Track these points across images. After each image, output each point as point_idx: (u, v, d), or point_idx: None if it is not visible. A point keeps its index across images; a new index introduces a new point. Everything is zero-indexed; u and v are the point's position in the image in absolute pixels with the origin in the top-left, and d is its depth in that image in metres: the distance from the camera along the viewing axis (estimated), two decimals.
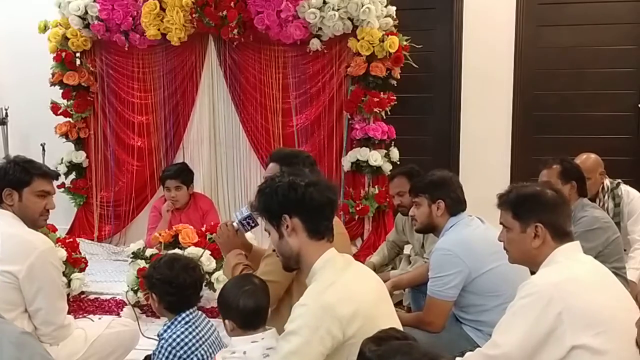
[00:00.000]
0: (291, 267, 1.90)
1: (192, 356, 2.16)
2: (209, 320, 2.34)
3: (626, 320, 1.79)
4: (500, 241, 2.06)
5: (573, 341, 1.71)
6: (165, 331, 2.22)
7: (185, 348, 2.16)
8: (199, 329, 2.23)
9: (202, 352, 2.18)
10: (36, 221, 2.43)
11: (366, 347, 1.41)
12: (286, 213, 1.81)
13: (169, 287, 2.22)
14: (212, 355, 2.22)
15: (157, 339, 2.24)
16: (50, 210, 2.49)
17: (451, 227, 2.64)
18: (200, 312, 2.31)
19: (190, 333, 2.19)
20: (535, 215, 1.92)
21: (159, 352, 2.17)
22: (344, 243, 2.45)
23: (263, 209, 1.88)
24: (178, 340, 2.16)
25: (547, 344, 1.74)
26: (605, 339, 1.71)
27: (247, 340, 1.99)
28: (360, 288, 1.76)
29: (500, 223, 2.05)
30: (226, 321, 2.05)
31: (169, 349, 2.15)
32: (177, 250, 3.41)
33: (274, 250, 1.98)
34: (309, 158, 2.59)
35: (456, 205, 2.66)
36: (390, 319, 1.83)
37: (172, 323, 2.23)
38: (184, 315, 2.23)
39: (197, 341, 2.19)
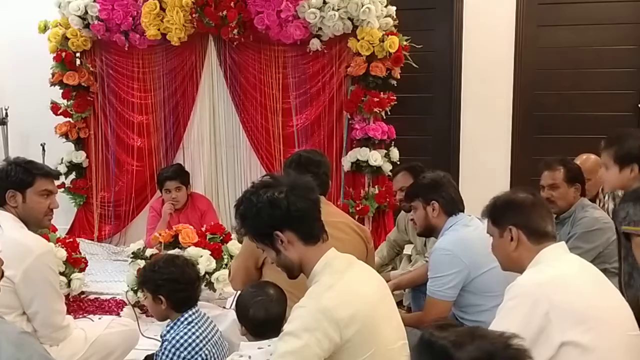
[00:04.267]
0: (296, 275, 1.88)
1: (196, 356, 2.16)
2: (212, 321, 2.34)
3: (615, 316, 1.81)
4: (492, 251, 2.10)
5: (562, 338, 1.72)
6: (168, 332, 2.22)
7: (189, 349, 2.16)
8: (202, 329, 2.23)
9: (206, 352, 2.18)
10: (41, 221, 2.44)
11: (433, 336, 1.17)
12: (277, 230, 1.78)
13: (177, 284, 2.23)
14: (216, 355, 2.22)
15: (158, 339, 2.24)
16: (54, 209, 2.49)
17: (450, 227, 2.64)
18: (203, 312, 2.32)
19: (193, 333, 2.19)
20: (508, 219, 1.97)
21: (163, 353, 2.17)
22: (355, 247, 2.43)
23: (251, 232, 1.85)
24: (182, 341, 2.16)
25: (537, 343, 1.74)
26: (593, 335, 1.72)
27: (254, 346, 2.03)
28: (359, 290, 1.76)
29: (487, 232, 2.08)
30: (240, 324, 2.09)
31: (173, 350, 2.15)
32: (177, 250, 3.41)
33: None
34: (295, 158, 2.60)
35: (451, 205, 2.68)
36: (391, 320, 1.83)
37: (175, 324, 2.23)
38: (186, 315, 2.23)
39: (201, 341, 2.19)
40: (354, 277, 1.79)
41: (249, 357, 1.99)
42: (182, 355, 2.14)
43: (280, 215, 1.76)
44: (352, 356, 1.68)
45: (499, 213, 2.01)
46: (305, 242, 1.79)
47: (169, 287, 2.23)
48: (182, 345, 2.15)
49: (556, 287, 1.79)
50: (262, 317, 2.03)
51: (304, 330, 1.64)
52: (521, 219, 1.95)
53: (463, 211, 2.71)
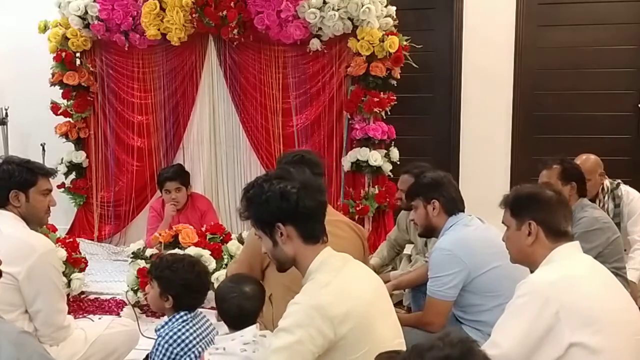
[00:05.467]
0: (286, 269, 1.90)
1: (189, 353, 2.16)
2: (208, 319, 2.34)
3: (624, 319, 1.81)
4: (504, 241, 2.09)
5: (571, 338, 1.72)
6: (162, 327, 2.22)
7: (182, 345, 2.16)
8: (197, 326, 2.24)
9: (199, 349, 2.18)
10: (42, 219, 2.51)
11: None
12: (279, 222, 1.79)
13: (190, 291, 2.24)
14: None
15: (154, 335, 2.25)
16: (51, 209, 2.54)
17: (451, 227, 2.64)
18: (199, 310, 2.31)
19: (187, 330, 2.20)
20: (530, 213, 1.95)
21: (156, 349, 2.18)
22: (354, 245, 2.45)
23: (254, 218, 1.85)
24: (175, 337, 2.17)
25: (546, 342, 1.74)
26: (602, 337, 1.72)
27: (227, 338, 2.08)
28: (355, 288, 1.77)
29: (502, 222, 2.07)
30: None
31: (166, 345, 2.16)
32: (177, 250, 3.41)
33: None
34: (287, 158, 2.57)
35: (451, 204, 2.68)
36: (387, 318, 1.83)
37: (170, 320, 2.24)
38: (182, 313, 2.24)
39: (194, 339, 2.19)
40: (350, 275, 1.80)
41: (224, 348, 2.03)
42: (175, 351, 2.15)
43: (287, 209, 1.77)
44: (347, 353, 1.69)
45: (521, 205, 1.99)
46: (304, 240, 1.81)
47: (181, 291, 2.23)
48: (175, 341, 2.16)
49: (568, 287, 1.78)
50: (236, 313, 2.08)
51: (297, 326, 1.65)
52: (543, 216, 1.94)
53: (463, 211, 2.71)
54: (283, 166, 1.91)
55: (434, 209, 2.67)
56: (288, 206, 1.77)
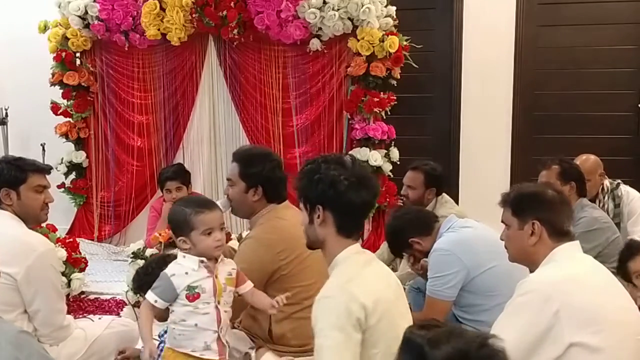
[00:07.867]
0: (313, 248, 1.93)
1: None
2: None
3: (624, 319, 1.80)
4: (502, 240, 2.07)
5: (571, 338, 1.72)
6: (165, 332, 2.21)
7: None
8: None
9: None
10: (38, 216, 2.46)
11: (412, 333, 1.24)
12: (321, 205, 1.82)
13: None
14: None
15: (157, 339, 2.24)
16: (50, 209, 2.51)
17: (448, 228, 2.65)
18: None
19: None
20: (533, 212, 1.93)
21: (159, 355, 2.16)
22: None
23: (301, 192, 1.89)
24: None
25: (545, 342, 1.74)
26: (602, 337, 1.72)
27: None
28: (379, 284, 1.79)
29: (502, 221, 2.06)
30: None
31: None
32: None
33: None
34: (273, 162, 2.49)
35: (424, 227, 2.73)
36: (405, 317, 1.84)
37: None
38: None
39: None
40: (374, 272, 1.83)
41: (183, 256, 2.12)
42: None
43: (331, 196, 1.80)
44: (368, 347, 1.70)
45: (524, 204, 1.97)
46: (337, 230, 1.83)
47: None
48: None
49: (569, 286, 1.78)
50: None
51: (340, 319, 1.66)
52: (547, 215, 1.92)
53: (437, 220, 2.76)
54: (344, 155, 1.92)
55: (419, 244, 2.71)
56: (333, 194, 1.79)
